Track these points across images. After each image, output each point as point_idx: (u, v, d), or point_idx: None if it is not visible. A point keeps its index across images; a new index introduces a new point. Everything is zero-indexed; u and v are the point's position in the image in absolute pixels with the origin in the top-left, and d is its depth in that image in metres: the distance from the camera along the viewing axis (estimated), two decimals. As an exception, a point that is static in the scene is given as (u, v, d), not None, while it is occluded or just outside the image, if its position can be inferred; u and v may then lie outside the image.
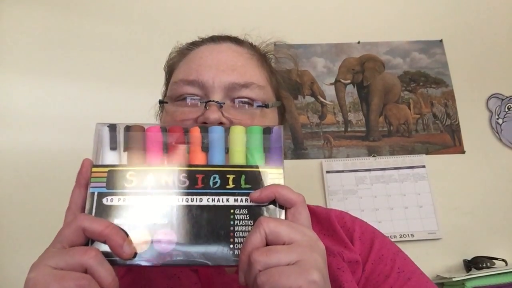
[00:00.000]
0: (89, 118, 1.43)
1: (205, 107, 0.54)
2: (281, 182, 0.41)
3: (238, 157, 0.42)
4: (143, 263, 0.38)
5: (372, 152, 1.52)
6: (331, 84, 1.61)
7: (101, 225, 0.36)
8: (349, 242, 0.58)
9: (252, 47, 0.64)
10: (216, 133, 0.43)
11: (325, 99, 1.59)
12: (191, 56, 0.61)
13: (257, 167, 0.42)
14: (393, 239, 1.36)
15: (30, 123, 1.43)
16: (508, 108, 1.58)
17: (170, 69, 0.64)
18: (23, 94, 1.47)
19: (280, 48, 0.71)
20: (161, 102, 0.61)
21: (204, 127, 0.44)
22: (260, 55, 0.64)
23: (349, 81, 1.61)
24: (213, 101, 0.54)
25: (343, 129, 1.56)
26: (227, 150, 0.43)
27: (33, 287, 0.34)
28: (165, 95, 0.65)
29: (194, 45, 0.63)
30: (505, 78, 1.62)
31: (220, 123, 0.52)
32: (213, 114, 0.52)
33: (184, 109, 0.55)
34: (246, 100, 0.56)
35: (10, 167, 1.38)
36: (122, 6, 1.62)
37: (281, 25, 1.28)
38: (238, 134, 0.43)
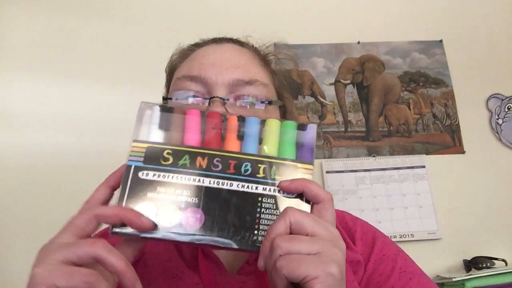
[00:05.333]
0: (89, 118, 1.44)
1: (209, 103, 0.53)
2: (310, 178, 0.42)
3: (270, 149, 0.44)
4: (169, 238, 0.39)
5: (372, 152, 1.52)
6: (331, 84, 1.61)
7: (112, 208, 0.38)
8: (351, 242, 0.58)
9: (253, 48, 0.64)
10: (252, 123, 0.45)
11: (325, 99, 1.59)
12: (193, 56, 0.60)
13: (288, 160, 0.43)
14: (393, 239, 1.35)
15: (30, 123, 1.43)
16: (508, 108, 1.58)
17: (172, 70, 0.64)
18: (23, 94, 1.47)
19: (280, 49, 0.70)
20: (164, 98, 0.60)
21: (241, 117, 0.45)
22: (262, 56, 0.64)
23: (349, 81, 1.61)
24: (217, 97, 0.53)
25: (343, 129, 1.56)
26: (260, 141, 0.44)
27: (40, 283, 0.33)
28: (166, 96, 0.64)
29: (196, 46, 0.63)
30: (505, 78, 1.62)
31: None
32: (217, 110, 0.51)
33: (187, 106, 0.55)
34: (249, 99, 0.55)
35: (10, 167, 1.38)
36: (122, 6, 1.62)
37: (281, 26, 1.28)
38: (273, 127, 0.45)
